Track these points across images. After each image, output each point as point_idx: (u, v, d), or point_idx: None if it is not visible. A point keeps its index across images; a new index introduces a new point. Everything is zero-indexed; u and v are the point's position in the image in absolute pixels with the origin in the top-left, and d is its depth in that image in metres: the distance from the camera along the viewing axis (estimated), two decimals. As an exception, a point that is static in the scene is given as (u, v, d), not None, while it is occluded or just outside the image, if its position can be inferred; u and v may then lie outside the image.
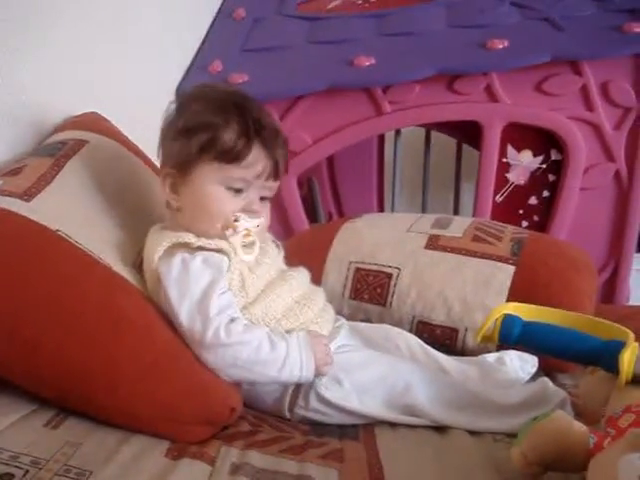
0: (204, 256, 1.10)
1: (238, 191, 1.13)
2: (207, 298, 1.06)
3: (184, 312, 1.05)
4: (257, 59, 2.12)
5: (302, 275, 1.26)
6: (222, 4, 2.47)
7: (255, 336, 1.07)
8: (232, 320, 1.06)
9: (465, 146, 2.62)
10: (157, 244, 1.11)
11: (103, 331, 0.99)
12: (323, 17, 2.27)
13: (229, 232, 1.12)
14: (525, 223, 2.06)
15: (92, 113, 1.48)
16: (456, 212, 2.77)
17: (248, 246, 1.14)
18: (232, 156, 1.10)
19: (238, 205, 1.13)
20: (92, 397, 0.98)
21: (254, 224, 1.14)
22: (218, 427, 1.04)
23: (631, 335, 1.01)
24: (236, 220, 1.12)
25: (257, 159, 1.11)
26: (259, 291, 1.16)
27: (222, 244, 1.11)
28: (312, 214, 2.53)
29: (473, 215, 2.07)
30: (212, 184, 1.12)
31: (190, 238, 1.11)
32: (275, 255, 1.25)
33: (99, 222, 1.20)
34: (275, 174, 1.15)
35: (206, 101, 1.16)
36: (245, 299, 1.14)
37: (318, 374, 1.10)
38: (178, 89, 2.02)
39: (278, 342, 1.08)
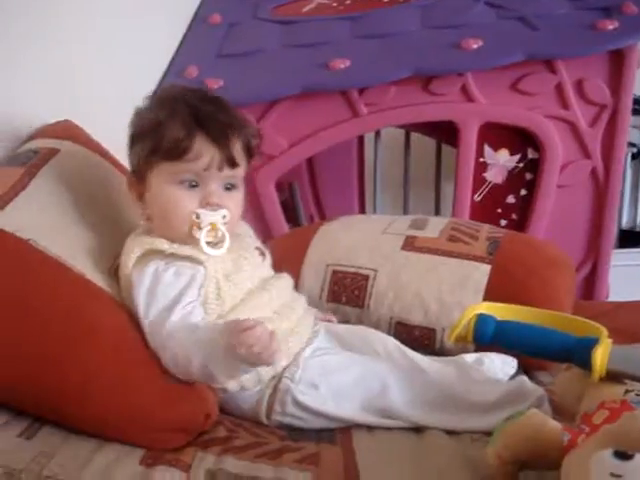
0: (177, 267, 1.10)
1: (193, 186, 1.12)
2: (170, 310, 1.05)
3: (150, 320, 1.05)
4: (232, 64, 2.11)
5: (284, 283, 1.25)
6: (198, 9, 2.46)
7: (183, 340, 1.02)
8: (183, 327, 1.03)
9: (446, 146, 2.62)
10: (131, 251, 1.11)
11: (74, 339, 0.98)
12: (298, 20, 2.27)
13: (194, 230, 1.11)
14: (504, 222, 2.07)
15: (65, 121, 1.47)
16: (437, 211, 2.77)
17: (217, 242, 1.13)
18: (176, 152, 1.09)
19: (195, 200, 1.11)
20: (65, 406, 0.97)
21: (218, 216, 1.12)
22: (193, 434, 1.03)
23: (604, 332, 1.01)
24: (198, 217, 1.11)
25: (202, 151, 1.10)
26: (237, 300, 1.14)
27: (195, 252, 1.11)
28: (294, 218, 2.53)
29: (452, 215, 2.07)
30: (166, 185, 1.12)
31: (163, 245, 1.11)
32: (258, 263, 1.24)
33: (71, 230, 1.19)
34: (230, 162, 1.12)
35: (154, 104, 1.16)
36: (221, 307, 1.12)
37: (259, 362, 0.96)
38: (153, 95, 2.01)
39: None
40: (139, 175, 1.15)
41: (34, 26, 1.48)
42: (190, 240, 1.11)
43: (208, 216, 1.11)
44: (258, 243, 1.29)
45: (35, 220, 1.14)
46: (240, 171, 1.16)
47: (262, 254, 1.27)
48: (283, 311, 1.19)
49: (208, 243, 1.11)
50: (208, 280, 1.11)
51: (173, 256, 1.11)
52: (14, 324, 0.97)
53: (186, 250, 1.11)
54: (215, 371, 1.00)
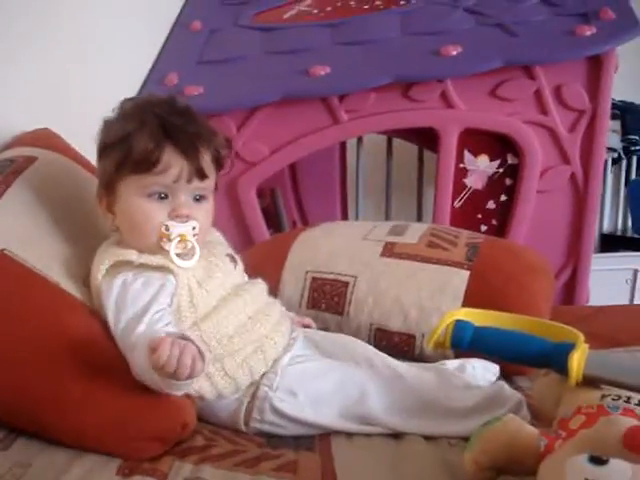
0: (146, 278, 1.09)
1: (162, 198, 1.11)
2: (138, 319, 1.03)
3: (119, 330, 1.04)
4: (213, 71, 2.11)
5: (257, 289, 1.24)
6: (178, 16, 2.46)
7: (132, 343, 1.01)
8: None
9: (428, 151, 2.63)
10: (100, 262, 1.11)
11: (49, 349, 0.99)
12: (279, 27, 2.28)
13: (164, 242, 1.11)
14: (484, 227, 2.08)
15: (43, 129, 1.47)
16: (419, 217, 2.78)
17: (187, 253, 1.12)
18: (145, 165, 1.09)
19: (164, 212, 1.11)
20: (39, 417, 0.97)
21: (188, 228, 1.12)
22: (170, 443, 1.03)
23: (581, 337, 1.02)
24: (167, 229, 1.10)
25: (170, 163, 1.09)
26: (210, 307, 1.14)
27: (165, 261, 1.10)
28: (276, 224, 2.53)
29: (432, 220, 2.08)
30: (135, 197, 1.11)
31: (132, 255, 1.10)
32: (229, 270, 1.23)
33: (47, 239, 1.18)
34: (199, 174, 1.12)
35: (122, 114, 1.15)
36: (195, 315, 1.12)
37: (178, 379, 0.93)
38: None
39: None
40: (108, 187, 1.14)
41: (15, 36, 1.48)
42: (159, 251, 1.11)
43: (177, 228, 1.11)
44: (229, 250, 1.28)
45: (10, 229, 1.14)
46: (209, 182, 1.16)
47: (233, 261, 1.26)
48: (257, 317, 1.18)
49: (178, 255, 1.11)
50: (180, 288, 1.11)
51: (142, 266, 1.10)
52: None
53: (155, 260, 1.11)
54: (158, 387, 0.98)
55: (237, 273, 1.26)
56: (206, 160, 1.13)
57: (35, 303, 1.03)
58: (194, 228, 1.12)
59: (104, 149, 1.15)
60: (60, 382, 0.97)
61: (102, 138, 1.15)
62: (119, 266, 1.10)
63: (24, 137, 1.43)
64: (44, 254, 1.14)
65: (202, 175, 1.12)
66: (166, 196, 1.11)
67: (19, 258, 1.09)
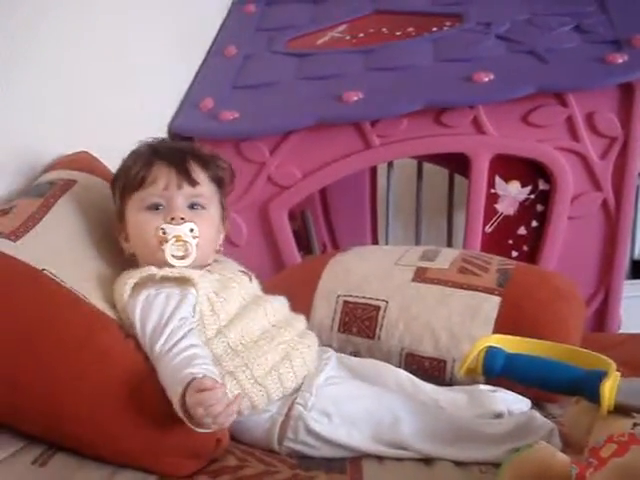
0: (167, 293, 1.14)
1: (157, 208, 1.19)
2: (163, 327, 1.08)
3: (146, 341, 1.09)
4: (247, 96, 2.14)
5: (279, 302, 1.29)
6: (213, 41, 2.50)
7: (164, 365, 1.04)
8: (170, 348, 1.05)
9: (458, 176, 2.63)
10: (123, 283, 1.15)
11: (87, 368, 1.01)
12: (312, 53, 2.30)
13: (163, 246, 1.17)
14: (515, 253, 2.07)
15: (82, 152, 1.50)
16: (449, 241, 2.78)
17: (187, 255, 1.18)
18: (137, 182, 1.20)
19: (159, 218, 1.19)
20: (78, 433, 1.00)
21: (184, 229, 1.18)
22: (205, 460, 1.05)
23: (613, 365, 1.01)
24: (164, 232, 1.17)
25: (158, 175, 1.20)
26: (232, 315, 1.19)
27: (184, 273, 1.15)
28: (306, 247, 2.54)
29: (463, 246, 2.08)
30: (136, 213, 1.21)
31: (152, 270, 1.15)
32: (245, 282, 1.27)
33: (86, 261, 1.22)
34: (188, 179, 1.20)
35: (131, 154, 1.27)
36: (218, 322, 1.16)
37: (199, 425, 0.96)
38: (170, 127, 2.04)
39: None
40: (120, 216, 1.24)
41: (53, 60, 1.52)
42: (167, 261, 1.17)
43: (173, 229, 1.18)
44: (241, 267, 1.32)
45: (51, 251, 1.17)
46: (203, 189, 1.23)
47: (247, 275, 1.31)
48: (281, 325, 1.23)
49: (175, 257, 1.17)
50: (200, 298, 1.16)
51: (163, 280, 1.15)
52: (28, 352, 1.00)
53: (175, 272, 1.15)
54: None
55: (253, 286, 1.30)
56: (196, 170, 1.22)
57: (73, 322, 1.06)
58: (192, 230, 1.19)
59: (112, 185, 1.28)
60: (98, 399, 1.00)
61: (113, 178, 1.29)
62: (142, 284, 1.15)
63: (63, 160, 1.46)
64: (81, 276, 1.18)
65: (192, 181, 1.20)
66: (163, 206, 1.20)
67: (58, 279, 1.12)
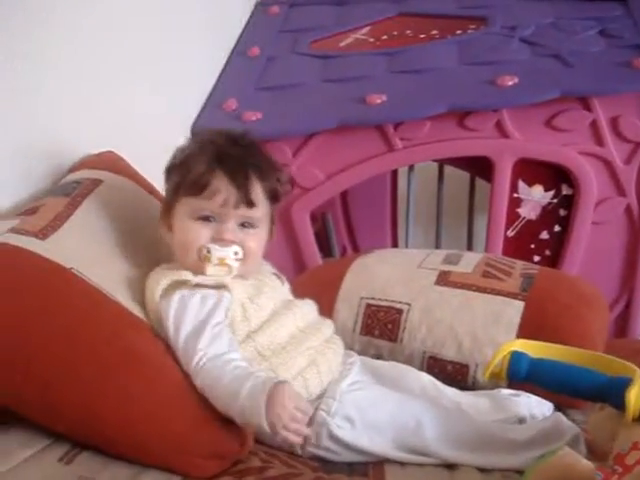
0: (202, 294, 1.14)
1: (208, 220, 1.17)
2: (199, 332, 1.08)
3: (180, 345, 1.09)
4: (271, 97, 2.15)
5: (308, 306, 1.29)
6: (237, 42, 2.51)
7: (219, 371, 1.05)
8: (217, 355, 1.06)
9: (479, 179, 2.63)
10: (156, 283, 1.15)
11: (115, 366, 1.01)
12: (335, 55, 2.30)
13: (205, 264, 1.15)
14: (537, 258, 2.07)
15: (108, 152, 1.51)
16: (470, 245, 2.77)
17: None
18: (196, 188, 1.15)
19: (208, 234, 1.16)
20: (105, 431, 1.00)
21: (229, 252, 1.16)
22: (229, 461, 1.05)
23: (638, 372, 1.01)
24: (208, 252, 1.15)
25: (219, 188, 1.15)
26: (263, 320, 1.19)
27: (220, 279, 1.15)
28: (326, 249, 2.55)
29: (485, 249, 2.07)
30: (185, 218, 1.18)
31: (187, 276, 1.15)
32: (278, 286, 1.28)
33: (112, 260, 1.23)
34: (247, 202, 1.16)
35: (190, 143, 1.23)
36: (248, 328, 1.16)
37: (273, 431, 0.99)
38: (193, 127, 2.05)
39: (236, 379, 1.03)
40: (168, 208, 1.21)
41: (79, 60, 1.53)
42: (197, 270, 1.16)
43: (218, 251, 1.15)
44: (274, 270, 1.33)
45: (78, 250, 1.18)
46: (258, 212, 1.19)
47: (279, 278, 1.31)
48: (309, 330, 1.23)
49: (214, 275, 1.16)
50: (234, 303, 1.16)
51: (198, 286, 1.15)
52: (55, 351, 1.00)
53: (210, 279, 1.15)
54: (234, 417, 1.03)
55: (284, 290, 1.30)
56: (257, 189, 1.18)
57: (101, 320, 1.06)
58: (236, 253, 1.17)
59: (168, 172, 1.23)
60: (125, 398, 1.00)
61: (169, 163, 1.23)
62: (175, 286, 1.15)
63: (90, 160, 1.47)
64: (108, 276, 1.18)
65: (250, 203, 1.16)
66: (214, 219, 1.17)
67: (85, 277, 1.12)
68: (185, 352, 1.08)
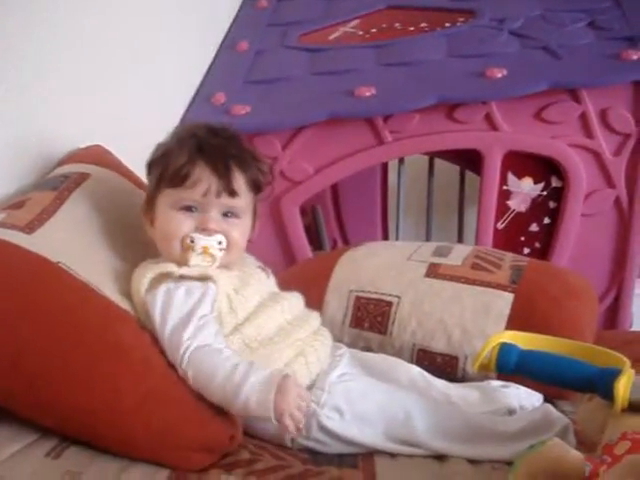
0: (187, 286, 1.14)
1: (190, 210, 1.16)
2: (185, 323, 1.08)
3: (166, 336, 1.08)
4: (259, 90, 2.14)
5: (295, 299, 1.29)
6: (225, 36, 2.51)
7: (212, 363, 1.05)
8: (204, 345, 1.06)
9: (469, 172, 2.63)
10: (142, 277, 1.15)
11: (102, 360, 1.01)
12: (324, 48, 2.30)
13: (188, 254, 1.15)
14: (526, 250, 2.07)
15: (95, 146, 1.51)
16: (460, 238, 2.77)
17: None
18: (177, 179, 1.15)
19: (191, 224, 1.16)
20: (92, 426, 0.99)
21: (213, 241, 1.16)
22: (218, 455, 1.05)
23: (627, 362, 1.02)
24: (192, 241, 1.15)
25: (200, 178, 1.15)
26: (249, 312, 1.19)
27: (204, 270, 1.15)
28: (317, 242, 2.54)
29: (475, 242, 2.07)
30: (167, 209, 1.17)
31: (172, 268, 1.15)
32: (263, 279, 1.28)
33: (99, 254, 1.22)
34: (228, 191, 1.16)
35: (171, 137, 1.23)
36: (235, 320, 1.16)
37: (278, 420, 1.01)
38: (182, 121, 2.04)
39: (237, 372, 1.04)
40: (150, 201, 1.21)
41: (66, 52, 1.52)
42: (186, 262, 1.16)
43: (202, 240, 1.16)
44: (259, 263, 1.32)
45: (65, 244, 1.17)
46: (241, 201, 1.19)
47: (264, 271, 1.31)
48: (296, 322, 1.23)
49: (199, 265, 1.16)
50: (219, 295, 1.15)
51: (183, 277, 1.15)
52: (43, 345, 0.99)
53: (195, 271, 1.15)
54: (222, 403, 1.05)
55: (270, 282, 1.30)
56: (238, 179, 1.18)
57: (89, 314, 1.05)
58: (220, 242, 1.17)
59: (150, 166, 1.24)
60: (113, 391, 0.99)
61: (150, 157, 1.24)
62: (160, 279, 1.15)
63: (77, 153, 1.46)
64: (96, 269, 1.17)
65: (232, 192, 1.17)
66: (196, 209, 1.16)
67: (73, 271, 1.12)
68: (170, 343, 1.08)
